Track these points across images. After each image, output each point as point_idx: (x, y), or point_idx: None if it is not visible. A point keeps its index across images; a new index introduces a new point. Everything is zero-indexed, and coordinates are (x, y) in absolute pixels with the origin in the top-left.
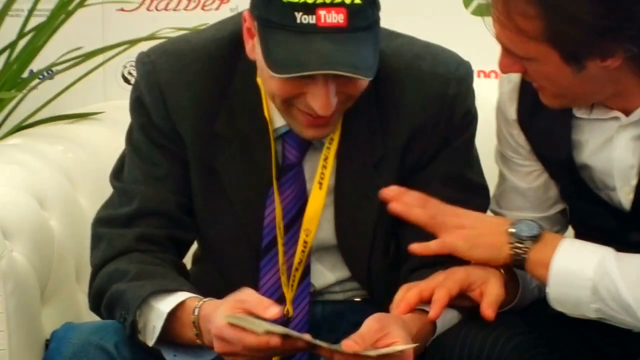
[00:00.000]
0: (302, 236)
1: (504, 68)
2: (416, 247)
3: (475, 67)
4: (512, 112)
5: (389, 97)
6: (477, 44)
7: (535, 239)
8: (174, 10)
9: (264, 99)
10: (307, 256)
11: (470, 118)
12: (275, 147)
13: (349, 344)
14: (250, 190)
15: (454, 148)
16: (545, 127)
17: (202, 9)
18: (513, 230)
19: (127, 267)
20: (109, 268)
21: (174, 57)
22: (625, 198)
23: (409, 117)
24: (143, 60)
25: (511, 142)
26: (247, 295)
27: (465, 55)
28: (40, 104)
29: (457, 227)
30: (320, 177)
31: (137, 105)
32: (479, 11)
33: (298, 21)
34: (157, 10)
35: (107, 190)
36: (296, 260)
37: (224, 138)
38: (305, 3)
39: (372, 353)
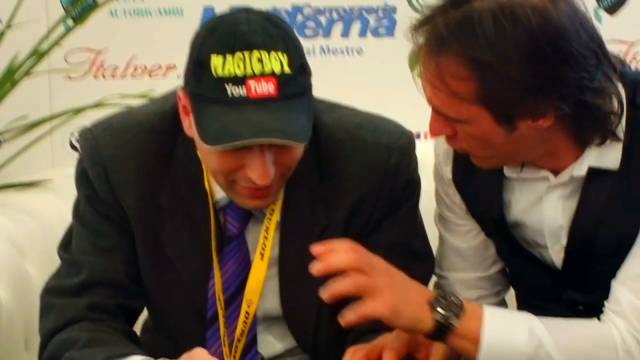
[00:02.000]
0: (244, 307)
1: (435, 131)
2: (348, 316)
3: (422, 129)
4: (447, 172)
5: (332, 167)
6: (424, 106)
7: (458, 313)
8: (121, 77)
9: (204, 172)
10: (250, 327)
11: (413, 187)
12: (217, 219)
13: None
14: (195, 262)
15: (398, 217)
16: (479, 187)
17: (149, 75)
18: (434, 305)
19: (78, 335)
20: (59, 337)
21: (116, 132)
22: (556, 257)
23: (351, 187)
24: (86, 136)
25: (447, 201)
26: (197, 357)
27: (412, 117)
28: None
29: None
30: (262, 247)
31: (82, 178)
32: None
33: (229, 94)
34: (103, 77)
35: (56, 259)
36: (238, 331)
37: (168, 210)
38: (235, 76)
39: None
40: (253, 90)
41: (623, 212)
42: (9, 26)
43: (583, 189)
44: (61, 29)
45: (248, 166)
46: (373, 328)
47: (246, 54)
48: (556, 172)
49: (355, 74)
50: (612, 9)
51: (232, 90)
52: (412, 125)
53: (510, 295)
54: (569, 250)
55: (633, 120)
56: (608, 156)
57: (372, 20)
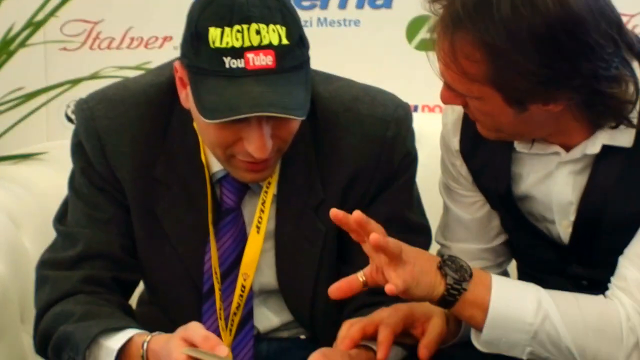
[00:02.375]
0: (240, 281)
1: (446, 100)
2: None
3: (419, 102)
4: (455, 143)
5: (328, 140)
6: (421, 79)
7: (467, 277)
8: (117, 49)
9: (201, 144)
10: (246, 300)
11: (410, 159)
12: (213, 192)
13: None
14: (191, 235)
15: (394, 190)
16: (486, 159)
17: (145, 47)
18: (444, 268)
19: (74, 308)
20: (54, 310)
21: (112, 104)
22: (564, 232)
23: (348, 160)
24: (81, 107)
25: (454, 172)
26: (193, 331)
27: (409, 90)
28: None
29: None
30: (258, 221)
31: (78, 150)
32: (423, 46)
33: (227, 66)
34: (99, 49)
35: (52, 232)
36: (234, 305)
37: (164, 183)
38: (233, 48)
39: None
40: (251, 63)
41: (632, 189)
42: None
43: (594, 166)
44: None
45: (246, 139)
46: (369, 302)
47: (244, 26)
48: (567, 148)
49: (352, 46)
50: None
51: (230, 62)
52: (410, 98)
53: (512, 267)
54: (577, 225)
55: None
56: (622, 135)
57: None
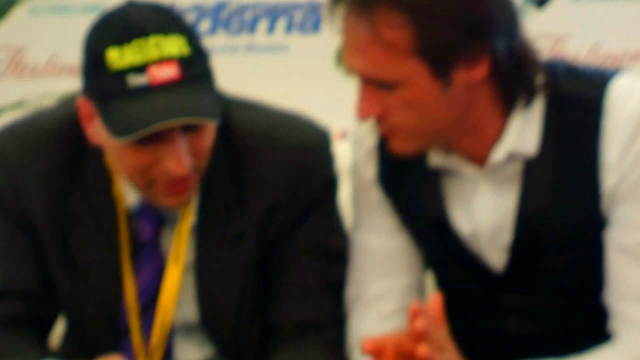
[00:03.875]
0: (160, 315)
1: (364, 111)
2: None
3: (350, 127)
4: (369, 172)
5: (245, 170)
6: (351, 103)
7: None
8: (41, 76)
9: (113, 178)
10: (166, 336)
11: (329, 185)
12: (129, 226)
13: None
14: (105, 270)
15: (315, 218)
16: (410, 186)
17: (71, 74)
18: None
19: None
20: None
21: (22, 139)
22: (496, 258)
23: (266, 189)
24: None
25: (367, 204)
26: None
27: (338, 115)
28: None
29: None
30: (176, 253)
31: None
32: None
33: (131, 84)
34: (24, 76)
35: None
36: (154, 340)
37: (77, 218)
38: (134, 65)
39: None
40: (155, 77)
41: (566, 202)
42: None
43: (521, 185)
44: None
45: (163, 158)
46: (296, 334)
47: (142, 41)
48: (481, 158)
49: (280, 72)
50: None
51: (134, 80)
52: (340, 123)
53: None
54: (513, 250)
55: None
56: (526, 138)
57: (298, 16)
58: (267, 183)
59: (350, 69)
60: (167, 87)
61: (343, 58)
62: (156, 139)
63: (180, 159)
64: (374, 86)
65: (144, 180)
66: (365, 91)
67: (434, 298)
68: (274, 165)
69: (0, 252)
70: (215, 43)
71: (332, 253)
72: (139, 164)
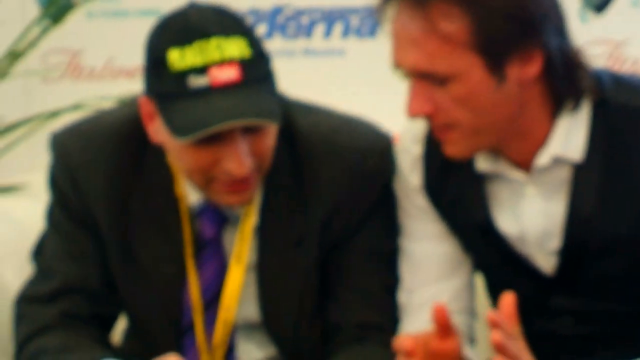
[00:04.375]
0: (222, 314)
1: (414, 109)
2: None
3: None
4: (414, 179)
5: (308, 172)
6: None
7: None
8: (98, 79)
9: (176, 178)
10: (228, 335)
11: (391, 190)
12: (192, 225)
13: None
14: (168, 268)
15: (375, 222)
16: (456, 193)
17: (127, 77)
18: None
19: (50, 343)
20: (32, 345)
21: (85, 139)
22: (545, 262)
23: (328, 192)
24: (54, 142)
25: (413, 210)
26: None
27: (396, 119)
28: None
29: None
30: (238, 251)
31: (53, 184)
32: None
33: (191, 85)
34: (81, 79)
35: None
36: (216, 338)
37: (139, 217)
38: (195, 67)
39: None
40: (216, 78)
41: (614, 209)
42: None
43: (570, 191)
44: (37, 29)
45: (223, 158)
46: (356, 336)
47: (204, 42)
48: (527, 164)
49: (337, 76)
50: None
51: (195, 81)
52: (397, 127)
53: None
54: (562, 255)
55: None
56: (572, 143)
57: (354, 21)
58: (329, 186)
59: (401, 65)
60: (227, 88)
61: (393, 55)
62: (217, 140)
63: (241, 160)
64: (426, 82)
65: (204, 178)
66: (417, 87)
67: (506, 297)
68: (336, 168)
69: (63, 251)
70: (272, 47)
71: (391, 256)
72: (200, 164)
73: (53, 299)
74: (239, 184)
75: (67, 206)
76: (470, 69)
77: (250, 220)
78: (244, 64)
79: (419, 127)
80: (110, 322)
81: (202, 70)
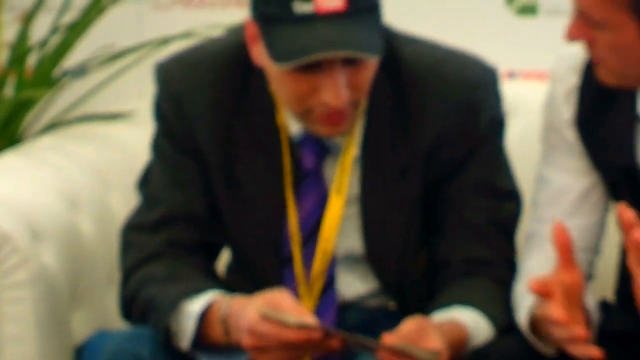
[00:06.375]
0: (322, 245)
1: (572, 35)
2: None
3: (518, 68)
4: (565, 112)
5: (411, 103)
6: (520, 44)
7: None
8: (210, 6)
9: (278, 107)
10: (328, 266)
11: (497, 124)
12: (293, 154)
13: (389, 338)
14: (270, 197)
15: (481, 155)
16: (607, 131)
17: (238, 5)
18: None
19: (157, 271)
20: (138, 274)
21: (189, 66)
22: None
23: (432, 123)
24: (159, 70)
25: (560, 142)
26: (281, 298)
27: (507, 55)
28: (72, 103)
29: None
30: (339, 183)
31: (157, 113)
32: (524, 10)
33: (296, 10)
34: (192, 6)
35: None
36: (315, 270)
37: (242, 145)
38: None
39: (414, 350)
40: (321, 6)
41: None
42: None
43: None
44: None
45: (321, 88)
46: (464, 271)
47: None
48: None
49: (447, 12)
50: None
51: (300, 7)
52: (507, 63)
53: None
54: None
55: None
56: None
57: None
58: (433, 117)
59: None
60: (332, 17)
61: None
62: (316, 69)
63: (338, 91)
64: (585, 21)
65: (302, 108)
66: (577, 21)
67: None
68: (442, 99)
69: (168, 179)
70: None
71: (500, 192)
72: (297, 92)
73: (159, 227)
74: (334, 116)
75: (172, 134)
76: (624, 27)
77: (351, 151)
78: None
79: (575, 56)
80: (216, 252)
81: None
